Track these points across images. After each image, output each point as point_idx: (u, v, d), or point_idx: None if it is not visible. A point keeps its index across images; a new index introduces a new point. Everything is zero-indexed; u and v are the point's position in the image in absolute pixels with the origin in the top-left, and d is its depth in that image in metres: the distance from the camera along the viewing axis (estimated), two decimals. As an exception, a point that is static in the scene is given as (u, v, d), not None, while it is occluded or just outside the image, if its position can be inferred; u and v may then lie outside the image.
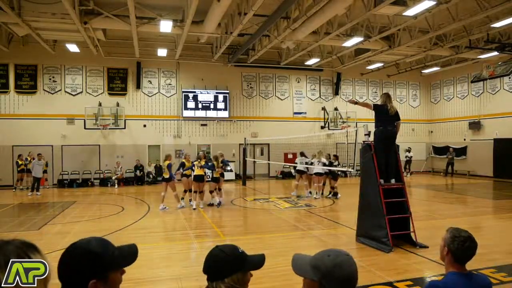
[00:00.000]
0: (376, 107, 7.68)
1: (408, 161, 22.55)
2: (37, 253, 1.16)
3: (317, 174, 13.58)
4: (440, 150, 24.06)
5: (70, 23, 13.25)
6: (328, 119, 22.98)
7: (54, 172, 18.88)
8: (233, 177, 20.36)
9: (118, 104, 19.78)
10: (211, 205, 12.18)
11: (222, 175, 12.65)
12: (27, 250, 1.15)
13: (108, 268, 1.34)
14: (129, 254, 1.47)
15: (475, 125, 21.85)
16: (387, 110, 7.52)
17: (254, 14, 12.11)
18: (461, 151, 22.76)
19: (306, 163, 14.05)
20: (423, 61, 21.27)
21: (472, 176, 21.87)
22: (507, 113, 20.04)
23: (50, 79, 19.11)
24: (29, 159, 16.58)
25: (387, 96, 7.80)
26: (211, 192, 12.36)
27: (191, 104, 20.64)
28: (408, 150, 22.72)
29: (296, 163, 14.64)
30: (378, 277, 5.64)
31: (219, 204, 12.19)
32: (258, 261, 1.71)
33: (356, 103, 7.99)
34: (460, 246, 2.23)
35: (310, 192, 14.27)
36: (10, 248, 1.12)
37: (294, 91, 22.86)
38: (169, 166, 11.83)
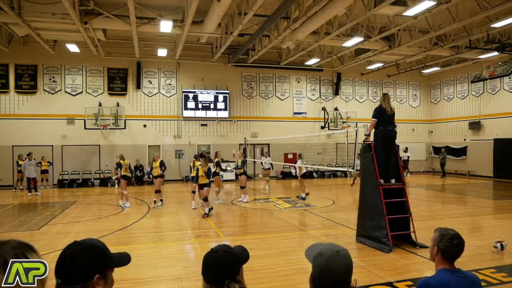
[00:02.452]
0: (375, 115, 7.66)
1: (406, 161, 22.54)
2: (33, 253, 1.16)
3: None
4: (440, 150, 24.07)
5: (70, 23, 13.25)
6: (328, 119, 22.98)
7: (54, 172, 18.89)
8: (233, 177, 20.35)
9: (118, 104, 19.78)
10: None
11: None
12: (23, 250, 1.15)
13: (109, 265, 1.38)
14: (123, 257, 1.49)
15: (475, 125, 21.85)
16: (384, 110, 7.53)
17: (254, 14, 12.11)
18: (461, 151, 22.77)
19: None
20: (423, 61, 21.27)
21: (472, 176, 21.86)
22: (507, 113, 20.04)
23: (50, 79, 19.12)
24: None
25: (383, 96, 7.84)
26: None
27: (191, 104, 20.65)
28: (405, 150, 22.71)
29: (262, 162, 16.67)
30: (378, 277, 5.64)
31: (210, 209, 11.00)
32: (246, 253, 1.74)
33: (367, 135, 7.79)
34: (449, 243, 2.31)
35: (307, 194, 14.06)
36: (6, 248, 1.12)
37: (294, 91, 22.87)
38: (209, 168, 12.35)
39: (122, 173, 12.51)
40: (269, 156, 18.01)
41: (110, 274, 1.39)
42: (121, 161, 12.59)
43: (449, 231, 2.37)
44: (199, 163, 12.74)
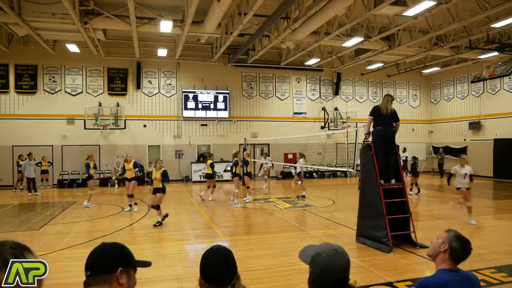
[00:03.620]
0: (370, 113, 7.72)
1: (405, 161, 22.44)
2: (30, 254, 1.17)
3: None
4: (438, 151, 24.06)
5: (70, 23, 13.25)
6: (328, 119, 22.98)
7: (54, 172, 18.89)
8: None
9: (118, 104, 19.78)
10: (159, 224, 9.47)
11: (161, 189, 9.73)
12: (22, 250, 1.15)
13: (131, 262, 1.57)
14: (145, 262, 1.70)
15: (475, 125, 21.85)
16: (380, 109, 7.55)
17: (254, 14, 12.12)
18: (461, 151, 22.71)
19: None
20: (423, 61, 21.27)
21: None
22: (507, 113, 20.03)
23: (50, 79, 19.12)
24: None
25: (384, 96, 7.87)
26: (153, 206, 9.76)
27: (191, 104, 20.65)
28: (404, 151, 22.64)
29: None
30: (378, 277, 5.64)
31: (165, 216, 9.65)
32: None
33: (367, 134, 7.80)
34: (463, 246, 2.34)
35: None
36: (5, 248, 1.12)
37: (294, 91, 22.86)
38: (212, 165, 13.64)
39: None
40: (268, 156, 18.31)
41: (133, 274, 1.57)
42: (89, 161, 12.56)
43: (461, 234, 2.40)
44: (210, 161, 13.51)
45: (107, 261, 1.48)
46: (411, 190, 14.54)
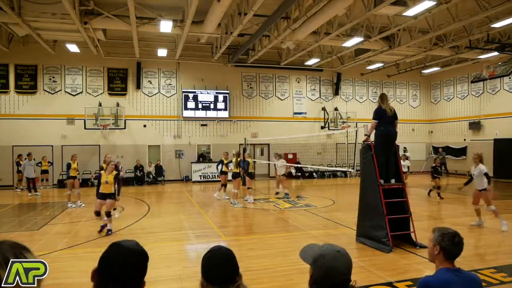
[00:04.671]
0: (375, 117, 7.66)
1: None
2: (29, 253, 1.17)
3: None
4: (437, 151, 24.06)
5: (70, 23, 13.26)
6: (328, 119, 22.99)
7: (54, 172, 18.89)
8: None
9: (118, 104, 19.78)
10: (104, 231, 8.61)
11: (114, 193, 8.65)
12: (21, 250, 1.15)
13: None
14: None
15: (475, 125, 21.85)
16: (384, 111, 7.54)
17: (254, 14, 12.12)
18: (461, 151, 22.75)
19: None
20: (423, 61, 21.27)
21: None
22: (507, 113, 20.03)
23: (50, 79, 19.12)
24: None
25: (380, 97, 7.85)
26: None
27: (191, 104, 20.65)
28: (404, 151, 22.64)
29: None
30: (378, 277, 5.64)
31: (107, 230, 8.55)
32: None
33: (367, 136, 7.77)
34: (451, 242, 2.32)
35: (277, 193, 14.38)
36: (5, 247, 1.12)
37: (294, 91, 22.87)
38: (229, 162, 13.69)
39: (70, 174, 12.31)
40: (281, 158, 15.23)
41: None
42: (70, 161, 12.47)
43: (449, 230, 2.38)
44: (221, 159, 13.68)
45: (139, 274, 1.37)
46: (439, 194, 13.84)
